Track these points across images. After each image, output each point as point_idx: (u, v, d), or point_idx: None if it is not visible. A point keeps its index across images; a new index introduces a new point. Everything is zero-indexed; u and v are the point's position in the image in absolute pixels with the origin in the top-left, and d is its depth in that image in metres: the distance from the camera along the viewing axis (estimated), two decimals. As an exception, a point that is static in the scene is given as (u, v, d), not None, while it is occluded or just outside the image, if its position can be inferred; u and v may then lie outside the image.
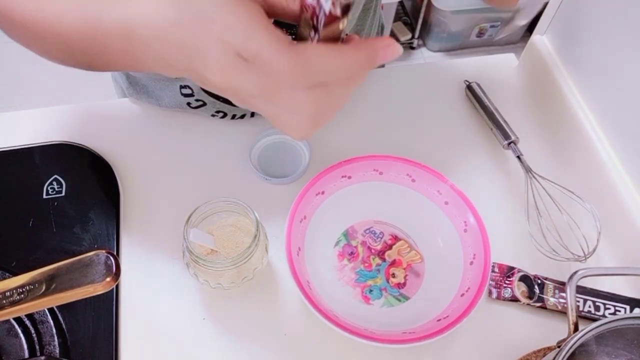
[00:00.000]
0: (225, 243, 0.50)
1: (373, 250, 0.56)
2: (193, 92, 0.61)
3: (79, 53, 0.40)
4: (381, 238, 0.57)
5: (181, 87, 0.61)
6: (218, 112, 0.64)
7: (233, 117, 0.65)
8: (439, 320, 0.49)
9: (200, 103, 0.63)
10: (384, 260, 0.56)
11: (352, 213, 0.58)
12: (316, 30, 0.31)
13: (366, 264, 0.55)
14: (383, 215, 0.58)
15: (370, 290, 0.54)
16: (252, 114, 0.66)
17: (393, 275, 0.55)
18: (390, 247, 0.56)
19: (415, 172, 0.57)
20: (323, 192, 0.56)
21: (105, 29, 0.36)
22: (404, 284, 0.54)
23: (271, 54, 0.30)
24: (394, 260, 0.56)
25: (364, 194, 0.58)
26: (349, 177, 0.57)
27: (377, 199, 0.58)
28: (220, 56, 0.30)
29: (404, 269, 0.55)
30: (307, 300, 0.47)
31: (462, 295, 0.51)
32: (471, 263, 0.53)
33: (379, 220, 0.58)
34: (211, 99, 0.62)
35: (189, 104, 0.63)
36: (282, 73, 0.30)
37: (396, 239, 0.57)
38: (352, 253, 0.56)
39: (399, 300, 0.53)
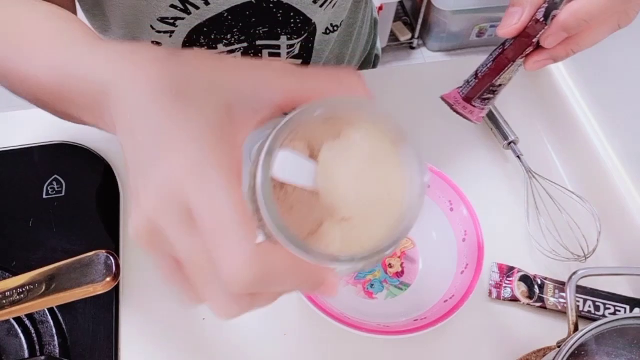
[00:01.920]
0: (334, 173, 0.24)
1: None
2: None
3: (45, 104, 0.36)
4: None
5: None
6: None
7: None
8: (445, 301, 0.50)
9: None
10: None
11: None
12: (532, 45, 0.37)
13: None
14: None
15: (372, 285, 0.54)
16: None
17: (390, 266, 0.55)
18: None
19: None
20: None
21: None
22: (402, 272, 0.55)
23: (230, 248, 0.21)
24: None
25: None
26: None
27: None
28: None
29: (399, 257, 0.55)
30: (318, 309, 0.47)
31: (462, 272, 0.51)
32: (464, 240, 0.53)
33: None
34: None
35: None
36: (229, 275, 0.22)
37: None
38: None
39: (401, 289, 0.53)
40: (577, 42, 0.38)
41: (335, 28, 0.57)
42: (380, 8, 1.78)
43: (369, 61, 0.78)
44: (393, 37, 2.05)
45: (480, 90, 0.44)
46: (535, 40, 0.38)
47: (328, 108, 0.24)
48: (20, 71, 0.34)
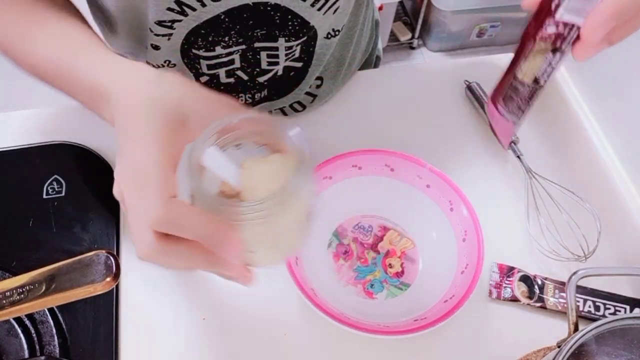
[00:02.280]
0: (252, 179, 0.34)
1: (366, 245, 0.56)
2: None
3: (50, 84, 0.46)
4: (371, 231, 0.57)
5: None
6: None
7: None
8: (445, 301, 0.50)
9: None
10: (378, 252, 0.56)
11: (339, 212, 0.58)
12: (560, 51, 0.37)
13: (362, 260, 0.55)
14: (368, 208, 0.58)
15: (372, 285, 0.54)
16: None
17: (390, 266, 0.55)
18: (381, 238, 0.57)
19: (393, 161, 0.57)
20: None
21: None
22: (402, 272, 0.55)
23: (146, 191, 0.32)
24: (388, 250, 0.56)
25: (347, 191, 0.58)
26: (330, 178, 0.57)
27: (360, 193, 0.58)
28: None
29: (399, 257, 0.55)
30: (319, 309, 0.47)
31: (462, 272, 0.51)
32: (464, 240, 0.53)
33: (366, 214, 0.58)
34: None
35: None
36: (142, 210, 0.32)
37: (385, 229, 0.57)
38: (346, 252, 0.56)
39: (401, 289, 0.54)
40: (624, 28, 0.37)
41: (337, 32, 0.57)
42: (380, 8, 1.78)
43: (370, 62, 0.78)
44: (393, 37, 2.05)
45: (505, 85, 0.43)
46: (552, 8, 0.36)
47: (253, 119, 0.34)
48: (39, 59, 0.44)
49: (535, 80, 0.41)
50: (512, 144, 0.61)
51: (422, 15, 1.96)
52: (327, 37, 0.57)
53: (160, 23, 0.48)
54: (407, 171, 0.57)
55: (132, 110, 0.35)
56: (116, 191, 0.37)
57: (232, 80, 0.59)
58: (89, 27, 0.46)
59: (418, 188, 0.57)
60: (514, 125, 0.48)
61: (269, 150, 0.35)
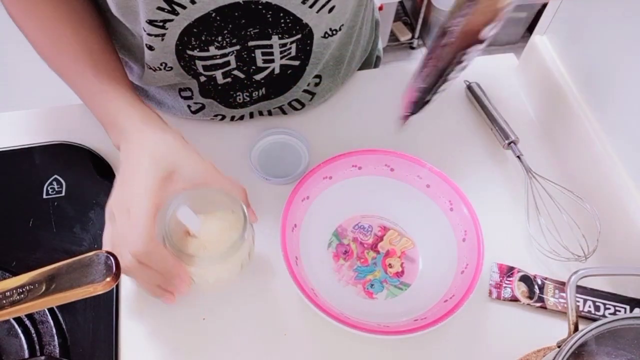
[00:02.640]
0: (209, 231, 0.48)
1: (366, 245, 0.56)
2: (192, 94, 0.61)
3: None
4: (371, 231, 0.57)
5: (180, 90, 0.61)
6: (217, 115, 0.64)
7: (232, 118, 0.65)
8: (445, 301, 0.50)
9: (200, 106, 0.63)
10: (378, 252, 0.56)
11: (339, 212, 0.58)
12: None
13: (362, 260, 0.55)
14: (368, 208, 0.58)
15: (372, 285, 0.54)
16: (251, 116, 0.66)
17: (390, 266, 0.55)
18: (381, 238, 0.57)
19: (393, 161, 0.57)
20: (308, 197, 0.56)
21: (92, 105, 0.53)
22: (402, 272, 0.55)
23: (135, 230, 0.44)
24: (388, 250, 0.56)
25: (347, 191, 0.58)
26: (330, 178, 0.57)
27: (360, 193, 0.58)
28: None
29: (399, 257, 0.56)
30: (319, 310, 0.47)
31: (462, 272, 0.51)
32: (464, 240, 0.53)
33: (366, 214, 0.58)
34: (209, 100, 0.62)
35: (189, 106, 0.63)
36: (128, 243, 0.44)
37: (385, 229, 0.57)
38: (346, 252, 0.56)
39: (401, 289, 0.54)
40: None
41: (335, 32, 0.57)
42: (380, 8, 1.78)
43: (370, 62, 0.78)
44: (393, 37, 2.05)
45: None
46: None
47: (212, 191, 0.49)
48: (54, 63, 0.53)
49: (443, 31, 0.39)
50: (512, 144, 0.61)
51: (422, 15, 1.96)
52: (324, 37, 0.57)
53: (151, 22, 0.48)
54: (407, 171, 0.57)
55: (136, 160, 0.47)
56: (109, 211, 0.47)
57: (229, 80, 0.59)
58: (116, 55, 0.55)
59: (418, 188, 0.57)
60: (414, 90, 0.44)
61: (224, 208, 0.50)
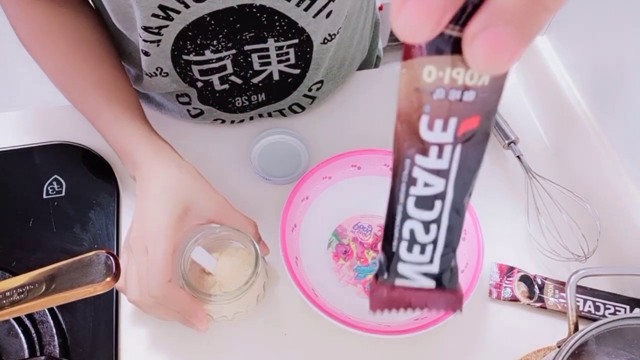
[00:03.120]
0: (224, 268, 0.50)
1: (365, 245, 0.56)
2: (190, 100, 0.61)
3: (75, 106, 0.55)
4: (370, 231, 0.57)
5: (177, 96, 0.61)
6: (216, 119, 0.64)
7: (232, 122, 0.65)
8: None
9: (199, 111, 0.63)
10: (378, 252, 0.56)
11: (338, 212, 0.58)
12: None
13: (362, 260, 0.55)
14: (368, 208, 0.58)
15: None
16: (251, 119, 0.66)
17: None
18: (381, 238, 0.56)
19: (392, 160, 0.57)
20: (307, 197, 0.56)
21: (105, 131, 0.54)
22: None
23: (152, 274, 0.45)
24: None
25: (346, 191, 0.58)
26: (330, 177, 0.57)
27: (360, 193, 0.58)
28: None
29: None
30: (320, 310, 0.47)
31: (462, 271, 0.51)
32: (463, 239, 0.53)
33: (365, 214, 0.58)
34: (208, 107, 0.62)
35: (188, 111, 0.63)
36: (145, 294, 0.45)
37: None
38: (345, 252, 0.56)
39: None
40: None
41: (333, 36, 0.56)
42: (380, 8, 1.78)
43: (370, 62, 0.78)
44: (393, 37, 2.05)
45: None
46: None
47: (225, 229, 0.50)
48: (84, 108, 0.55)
49: None
50: (512, 144, 0.61)
51: (422, 15, 1.96)
52: (323, 43, 0.56)
53: (147, 29, 0.48)
54: None
55: (152, 195, 0.48)
56: (127, 246, 0.48)
57: (226, 86, 0.59)
58: (129, 83, 0.56)
59: None
60: None
61: (237, 245, 0.52)
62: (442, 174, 0.21)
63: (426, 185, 0.21)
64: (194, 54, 0.53)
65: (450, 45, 0.17)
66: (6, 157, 0.61)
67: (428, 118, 0.19)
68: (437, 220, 0.22)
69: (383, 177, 0.58)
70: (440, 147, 0.20)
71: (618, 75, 0.55)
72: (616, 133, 0.56)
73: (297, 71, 0.59)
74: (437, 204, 0.22)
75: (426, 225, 0.22)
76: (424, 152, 0.20)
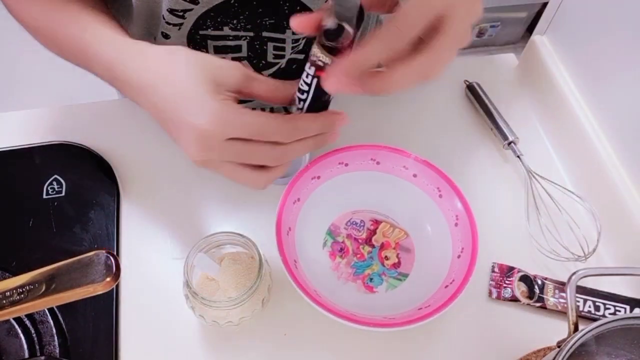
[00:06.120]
0: (226, 273, 0.50)
1: (360, 240, 0.56)
2: None
3: (67, 58, 0.49)
4: (363, 226, 0.57)
5: None
6: None
7: None
8: (446, 286, 0.50)
9: None
10: (373, 246, 0.56)
11: (330, 210, 0.58)
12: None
13: (358, 255, 0.56)
14: (359, 204, 0.58)
15: (371, 279, 0.54)
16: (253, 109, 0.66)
17: (386, 258, 0.55)
18: (374, 232, 0.57)
19: (378, 154, 0.58)
20: (299, 199, 0.56)
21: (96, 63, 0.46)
22: (399, 263, 0.55)
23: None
24: (382, 243, 0.56)
25: (336, 189, 0.58)
26: (319, 177, 0.57)
27: (349, 190, 0.58)
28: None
29: (394, 248, 0.56)
30: (325, 310, 0.47)
31: (459, 256, 0.51)
32: (456, 225, 0.53)
33: (357, 210, 0.58)
34: None
35: None
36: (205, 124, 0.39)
37: (377, 222, 0.57)
38: (341, 249, 0.56)
39: (400, 280, 0.54)
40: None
41: None
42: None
43: None
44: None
45: None
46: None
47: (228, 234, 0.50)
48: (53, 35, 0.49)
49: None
50: (512, 144, 0.61)
51: (422, 14, 1.96)
52: None
53: (172, 11, 0.49)
54: (393, 163, 0.57)
55: (172, 80, 0.39)
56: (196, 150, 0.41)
57: None
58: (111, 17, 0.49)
59: (405, 178, 0.57)
60: None
61: (239, 249, 0.51)
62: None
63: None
64: (212, 29, 0.53)
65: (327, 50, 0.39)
66: (6, 157, 0.61)
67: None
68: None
69: (371, 172, 0.58)
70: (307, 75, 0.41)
71: (618, 75, 0.55)
72: (616, 132, 0.56)
73: (302, 56, 0.59)
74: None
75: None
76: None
